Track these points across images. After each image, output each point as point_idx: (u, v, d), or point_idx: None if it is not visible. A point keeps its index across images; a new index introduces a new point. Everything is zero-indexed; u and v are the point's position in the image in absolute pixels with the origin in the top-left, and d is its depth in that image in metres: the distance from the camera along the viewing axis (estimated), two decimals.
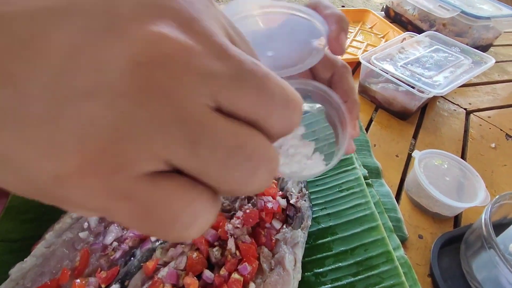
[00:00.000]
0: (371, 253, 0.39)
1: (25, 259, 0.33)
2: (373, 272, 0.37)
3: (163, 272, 0.32)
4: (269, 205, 0.38)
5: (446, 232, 0.46)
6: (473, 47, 0.75)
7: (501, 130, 0.69)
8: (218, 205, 0.12)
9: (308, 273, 0.37)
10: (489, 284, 0.38)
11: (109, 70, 0.09)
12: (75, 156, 0.09)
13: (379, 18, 0.96)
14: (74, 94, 0.09)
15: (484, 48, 0.95)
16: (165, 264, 0.33)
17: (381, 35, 0.92)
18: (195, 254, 0.33)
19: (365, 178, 0.48)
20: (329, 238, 0.40)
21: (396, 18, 1.05)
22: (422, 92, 0.59)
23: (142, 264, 0.33)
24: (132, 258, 0.34)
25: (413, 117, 0.68)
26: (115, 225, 0.36)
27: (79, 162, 0.09)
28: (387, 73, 0.62)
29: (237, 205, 0.39)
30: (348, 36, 0.78)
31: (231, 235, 0.35)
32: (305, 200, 0.40)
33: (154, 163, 0.10)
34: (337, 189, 0.46)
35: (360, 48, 0.85)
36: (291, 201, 0.40)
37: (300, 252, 0.36)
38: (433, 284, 0.41)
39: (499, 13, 0.89)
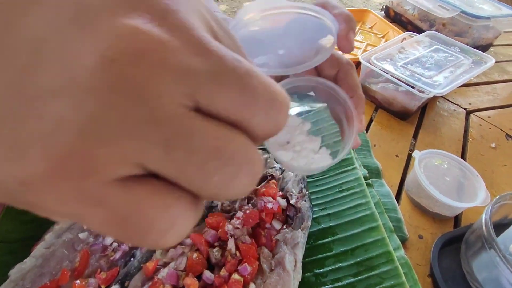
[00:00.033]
0: (372, 254, 0.38)
1: (24, 260, 0.33)
2: (373, 273, 0.37)
3: (163, 272, 0.32)
4: (269, 205, 0.37)
5: (446, 232, 0.46)
6: (473, 47, 0.75)
7: (501, 130, 0.69)
8: (198, 210, 0.11)
9: (308, 274, 0.37)
10: (489, 285, 0.38)
11: (77, 67, 0.09)
12: (41, 160, 0.09)
13: (379, 18, 0.96)
14: (40, 93, 0.08)
15: (484, 48, 0.95)
16: (165, 264, 0.33)
17: (381, 35, 0.92)
18: (195, 255, 0.33)
19: (365, 178, 0.48)
20: (329, 239, 0.40)
21: (396, 18, 1.05)
22: (422, 92, 0.59)
23: (142, 264, 0.33)
24: (132, 259, 0.34)
25: (413, 117, 0.68)
26: None
27: (45, 166, 0.09)
28: (387, 73, 0.62)
29: (237, 205, 0.39)
30: None
31: (231, 236, 0.35)
32: (305, 201, 0.40)
33: (127, 167, 0.09)
34: (337, 189, 0.46)
35: (360, 48, 0.85)
36: (291, 202, 0.40)
37: (300, 253, 0.36)
38: (434, 285, 0.41)
39: (499, 13, 0.89)
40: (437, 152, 0.52)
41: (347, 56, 0.35)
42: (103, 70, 0.09)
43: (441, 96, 0.75)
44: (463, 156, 0.62)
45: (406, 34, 0.77)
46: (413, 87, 0.60)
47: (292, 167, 0.30)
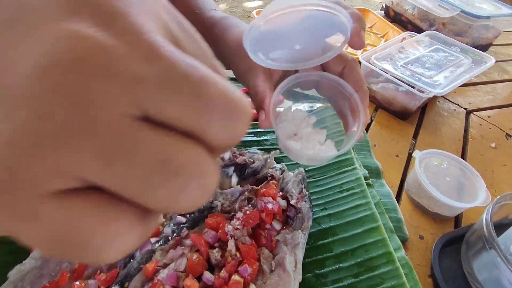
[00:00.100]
0: (372, 254, 0.38)
1: (24, 261, 0.32)
2: (374, 273, 0.37)
3: (163, 274, 0.32)
4: (269, 206, 0.37)
5: (447, 233, 0.46)
6: (473, 47, 0.75)
7: (501, 129, 0.69)
8: (147, 224, 0.10)
9: (309, 274, 0.37)
10: (490, 285, 0.38)
11: (11, 75, 0.08)
12: None
13: (379, 18, 0.96)
14: None
15: (484, 47, 0.95)
16: (165, 266, 0.33)
17: (381, 35, 0.92)
18: (195, 256, 0.33)
19: (366, 178, 0.48)
20: (329, 239, 0.40)
21: (396, 18, 1.05)
22: (422, 92, 0.59)
23: (141, 266, 0.33)
24: (131, 260, 0.34)
25: (413, 117, 0.68)
26: None
27: None
28: (387, 73, 0.62)
29: (237, 206, 0.39)
30: None
31: (231, 237, 0.35)
32: (305, 201, 0.40)
33: (63, 180, 0.09)
34: (338, 190, 0.46)
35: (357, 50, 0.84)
36: (292, 202, 0.39)
37: (300, 253, 0.36)
38: (434, 285, 0.41)
39: (499, 13, 0.89)
40: (437, 152, 0.52)
41: None
42: (39, 78, 0.08)
43: (441, 96, 0.75)
44: (463, 156, 0.62)
45: (406, 33, 0.77)
46: (413, 87, 0.60)
47: (302, 156, 0.32)
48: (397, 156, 0.59)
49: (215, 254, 0.34)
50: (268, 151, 0.46)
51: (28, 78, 0.08)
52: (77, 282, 0.31)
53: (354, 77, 0.33)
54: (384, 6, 1.10)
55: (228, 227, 0.36)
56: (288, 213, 0.40)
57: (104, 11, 0.09)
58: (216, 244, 0.35)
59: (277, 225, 0.38)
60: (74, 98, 0.08)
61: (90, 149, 0.08)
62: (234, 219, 0.37)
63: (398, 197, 0.52)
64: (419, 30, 0.92)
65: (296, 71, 0.34)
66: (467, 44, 0.78)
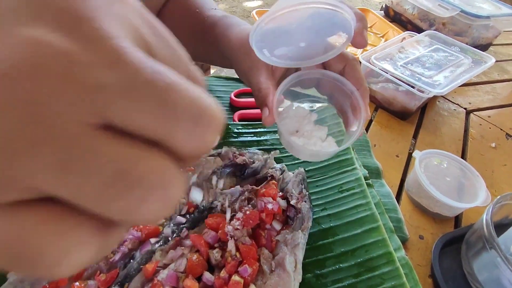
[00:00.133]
0: (372, 254, 0.38)
1: None
2: (374, 273, 0.37)
3: (163, 274, 0.32)
4: (269, 206, 0.37)
5: (447, 233, 0.46)
6: (473, 47, 0.75)
7: (501, 129, 0.69)
8: (105, 237, 0.10)
9: (309, 275, 0.37)
10: (490, 285, 0.38)
11: None
12: None
13: (379, 18, 0.96)
14: None
15: (484, 47, 0.95)
16: (165, 266, 0.33)
17: (381, 35, 0.92)
18: (195, 256, 0.33)
19: (366, 178, 0.48)
20: (329, 239, 0.40)
21: (396, 18, 1.05)
22: (422, 91, 0.59)
23: (141, 266, 0.33)
24: (131, 261, 0.34)
25: (413, 117, 0.68)
26: None
27: None
28: (387, 73, 0.62)
29: (237, 206, 0.39)
30: None
31: (231, 237, 0.35)
32: (305, 201, 0.40)
33: (15, 191, 0.08)
34: (338, 190, 0.45)
35: (359, 49, 0.84)
36: (292, 202, 0.39)
37: (300, 254, 0.36)
38: (434, 285, 0.41)
39: (499, 12, 0.89)
40: (437, 152, 0.52)
41: None
42: None
43: (441, 96, 0.75)
44: (463, 156, 0.62)
45: (406, 33, 0.77)
46: (413, 87, 0.60)
47: (304, 152, 0.33)
48: (397, 156, 0.59)
49: (215, 254, 0.34)
50: (268, 151, 0.46)
51: None
52: (77, 283, 0.31)
53: (355, 75, 0.34)
54: (384, 6, 1.10)
55: (228, 228, 0.35)
56: (288, 213, 0.39)
57: (67, 15, 0.09)
58: (216, 245, 0.35)
59: (277, 226, 0.38)
60: (29, 106, 0.08)
61: (45, 159, 0.08)
62: (234, 220, 0.37)
63: (398, 197, 0.52)
64: (419, 30, 0.92)
65: (297, 69, 0.35)
66: (467, 44, 0.78)
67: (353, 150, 0.50)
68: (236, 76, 0.62)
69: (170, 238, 0.36)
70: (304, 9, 0.30)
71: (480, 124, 0.70)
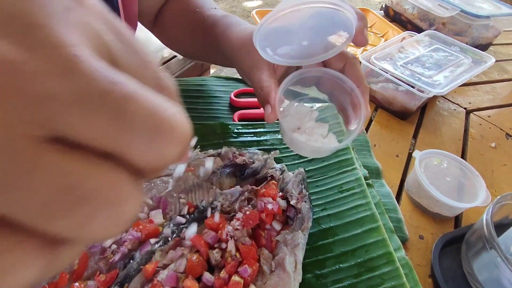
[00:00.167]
0: (372, 254, 0.38)
1: None
2: (374, 274, 0.37)
3: (163, 275, 0.32)
4: (269, 206, 0.37)
5: (447, 233, 0.46)
6: (473, 46, 0.75)
7: (501, 129, 0.69)
8: (51, 255, 0.09)
9: (309, 275, 0.37)
10: (490, 285, 0.38)
11: None
12: None
13: (379, 17, 0.95)
14: None
15: (484, 47, 0.95)
16: (165, 266, 0.33)
17: (381, 35, 0.92)
18: (195, 257, 0.33)
19: (366, 178, 0.48)
20: (329, 240, 0.40)
21: (396, 17, 1.05)
22: (422, 91, 0.59)
23: (141, 267, 0.33)
24: (131, 261, 0.34)
25: (413, 116, 0.68)
26: None
27: None
28: (387, 73, 0.62)
29: (236, 206, 0.39)
30: None
31: (231, 237, 0.35)
32: (305, 201, 0.39)
33: None
34: (338, 190, 0.45)
35: (359, 48, 0.85)
36: (292, 202, 0.39)
37: (300, 254, 0.35)
38: (434, 285, 0.41)
39: (499, 12, 0.89)
40: (437, 152, 0.52)
41: None
42: None
43: (441, 96, 0.75)
44: (463, 156, 0.62)
45: (406, 33, 0.77)
46: (413, 87, 0.60)
47: (306, 148, 0.33)
48: (397, 156, 0.59)
49: (215, 254, 0.34)
50: (268, 151, 0.46)
51: None
52: (77, 284, 0.31)
53: (355, 73, 0.34)
54: (383, 6, 1.10)
55: (228, 228, 0.35)
56: (288, 214, 0.39)
57: (18, 22, 0.08)
58: (216, 245, 0.35)
59: (277, 226, 0.38)
60: None
61: None
62: (234, 220, 0.36)
63: (398, 197, 0.52)
64: (419, 30, 0.92)
65: (298, 68, 0.35)
66: (467, 43, 0.78)
67: (353, 150, 0.50)
68: (236, 76, 0.62)
69: (170, 239, 0.36)
70: (306, 8, 0.30)
71: (480, 124, 0.70)
